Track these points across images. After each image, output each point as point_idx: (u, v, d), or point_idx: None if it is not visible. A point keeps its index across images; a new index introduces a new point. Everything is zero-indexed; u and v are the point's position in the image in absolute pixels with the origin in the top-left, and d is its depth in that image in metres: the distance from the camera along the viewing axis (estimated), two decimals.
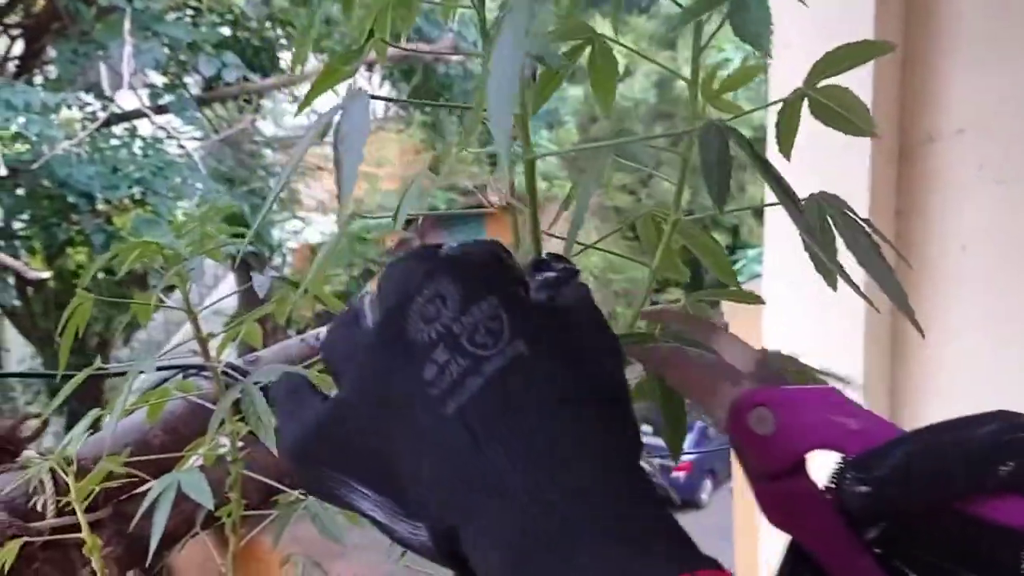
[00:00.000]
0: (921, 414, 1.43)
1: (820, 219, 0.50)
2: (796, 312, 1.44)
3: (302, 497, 0.92)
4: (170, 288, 0.89)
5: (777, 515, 0.34)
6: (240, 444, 0.94)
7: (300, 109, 0.55)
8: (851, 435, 0.34)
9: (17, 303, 5.39)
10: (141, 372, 0.86)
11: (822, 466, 0.35)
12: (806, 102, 0.49)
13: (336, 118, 0.42)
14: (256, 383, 0.88)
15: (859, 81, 1.50)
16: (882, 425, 0.34)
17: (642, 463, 0.31)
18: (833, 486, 0.33)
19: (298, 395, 0.34)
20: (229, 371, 1.02)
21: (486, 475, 0.28)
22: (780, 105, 0.50)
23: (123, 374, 0.88)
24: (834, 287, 0.50)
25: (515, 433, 0.29)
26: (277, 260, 7.68)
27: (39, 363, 6.35)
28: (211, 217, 0.93)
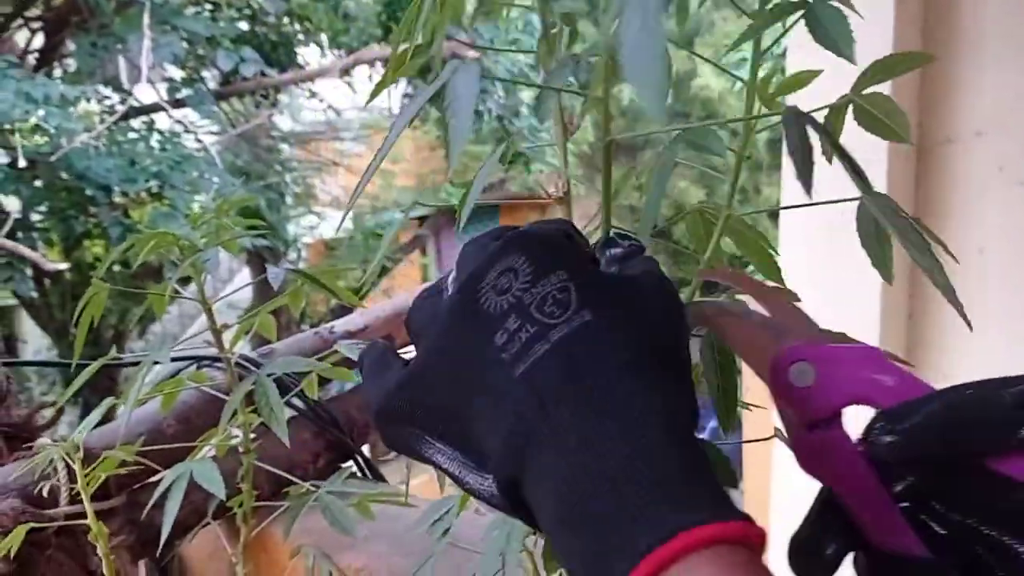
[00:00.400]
0: None
1: (872, 219, 0.51)
2: (811, 313, 1.43)
3: (313, 488, 0.93)
4: (185, 280, 0.90)
5: (812, 463, 0.36)
6: (252, 435, 0.95)
7: (370, 99, 0.57)
8: (887, 391, 0.35)
9: (34, 294, 5.43)
10: (156, 363, 0.87)
11: (861, 422, 0.36)
12: (851, 108, 0.50)
13: (445, 85, 0.43)
14: (269, 375, 0.89)
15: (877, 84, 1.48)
16: (917, 384, 0.35)
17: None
18: (864, 437, 0.34)
19: (383, 360, 0.38)
20: (242, 362, 1.03)
21: (547, 431, 0.30)
22: (826, 111, 0.51)
23: (137, 364, 0.88)
24: (890, 281, 0.51)
25: (577, 394, 0.31)
26: (292, 255, 7.70)
27: (55, 354, 6.40)
28: (227, 209, 0.93)
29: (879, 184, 1.41)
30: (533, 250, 0.35)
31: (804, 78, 0.57)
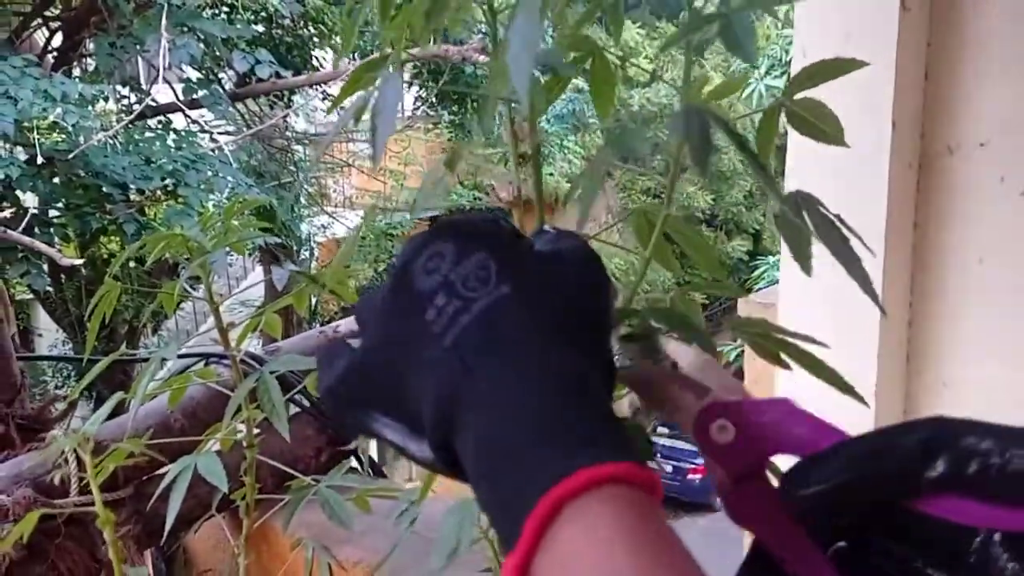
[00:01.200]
0: None
1: (796, 213, 0.53)
2: (811, 319, 1.45)
3: (313, 483, 0.96)
4: (198, 278, 0.93)
5: (741, 516, 0.38)
6: (256, 430, 0.98)
7: (330, 109, 0.60)
8: (801, 441, 0.37)
9: (50, 289, 5.49)
10: (164, 359, 0.90)
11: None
12: (783, 112, 0.52)
13: (372, 98, 0.49)
14: (272, 372, 0.92)
15: (880, 91, 1.50)
16: (830, 432, 0.37)
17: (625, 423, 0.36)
18: (783, 489, 0.36)
19: (334, 350, 0.40)
20: (248, 360, 1.06)
21: (469, 393, 0.33)
22: (762, 114, 0.53)
23: (148, 360, 0.92)
24: (808, 273, 0.53)
25: (492, 357, 0.34)
26: (304, 254, 7.75)
27: (70, 348, 6.47)
28: (235, 211, 0.96)
29: (879, 192, 1.42)
30: (458, 234, 0.38)
31: (734, 85, 0.59)
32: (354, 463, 1.23)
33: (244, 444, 0.98)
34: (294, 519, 0.96)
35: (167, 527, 0.87)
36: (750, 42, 0.48)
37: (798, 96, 0.51)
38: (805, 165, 1.35)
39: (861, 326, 1.51)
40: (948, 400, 1.49)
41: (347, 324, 1.31)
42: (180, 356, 1.17)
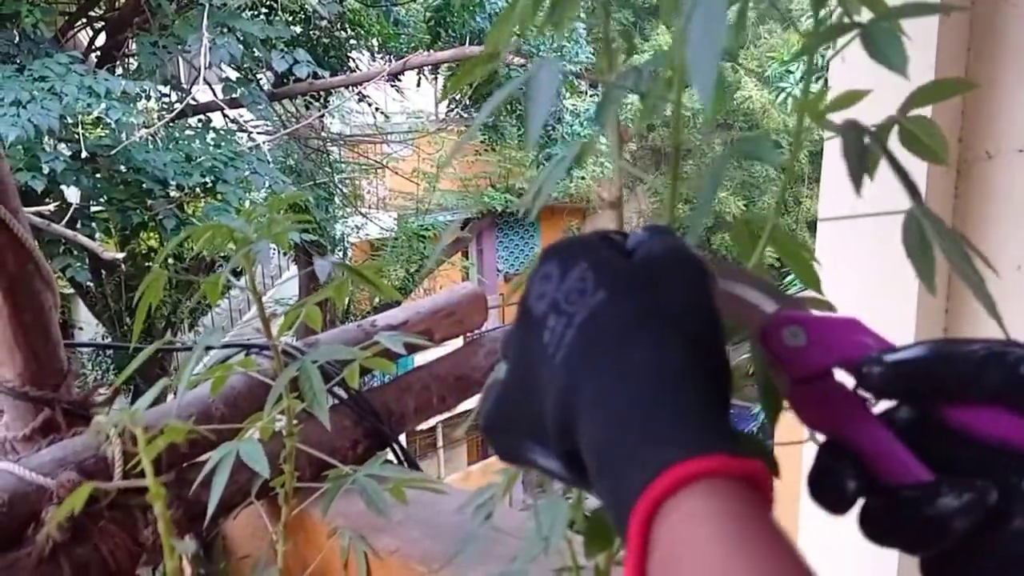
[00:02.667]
0: None
1: (918, 229, 0.53)
2: None
3: (351, 473, 0.97)
4: (236, 274, 0.95)
5: (812, 415, 0.39)
6: (295, 420, 1.00)
7: (445, 95, 0.63)
8: (870, 350, 0.39)
9: (90, 283, 5.60)
10: (208, 348, 0.92)
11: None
12: (896, 128, 0.52)
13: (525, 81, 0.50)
14: (314, 361, 0.94)
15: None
16: (895, 346, 0.39)
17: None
18: (856, 374, 0.38)
19: (491, 384, 0.42)
20: (289, 350, 1.08)
21: (580, 404, 0.35)
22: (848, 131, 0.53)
23: (190, 349, 0.94)
24: (933, 292, 0.53)
25: (592, 365, 0.35)
26: (339, 253, 7.82)
27: (107, 338, 6.58)
28: (278, 205, 0.98)
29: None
30: (561, 253, 0.39)
31: (854, 96, 0.59)
32: (390, 455, 1.24)
33: (284, 433, 0.99)
34: (332, 508, 0.98)
35: (209, 512, 0.89)
36: (896, 51, 0.48)
37: (912, 114, 0.52)
38: (843, 168, 1.35)
39: (895, 334, 1.49)
40: None
41: (384, 318, 1.32)
42: (222, 347, 1.19)
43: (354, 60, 6.90)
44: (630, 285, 0.37)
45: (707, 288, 0.38)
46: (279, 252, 8.24)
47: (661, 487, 0.29)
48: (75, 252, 4.44)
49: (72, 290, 6.24)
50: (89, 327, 7.27)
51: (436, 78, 7.20)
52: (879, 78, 0.51)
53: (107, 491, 1.00)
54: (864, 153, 0.49)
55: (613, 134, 0.59)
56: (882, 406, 0.39)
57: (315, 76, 5.45)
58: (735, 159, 0.56)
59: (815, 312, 0.42)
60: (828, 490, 0.37)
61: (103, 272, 5.77)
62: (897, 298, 1.52)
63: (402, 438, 1.38)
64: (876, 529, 0.35)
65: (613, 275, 0.37)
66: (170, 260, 5.28)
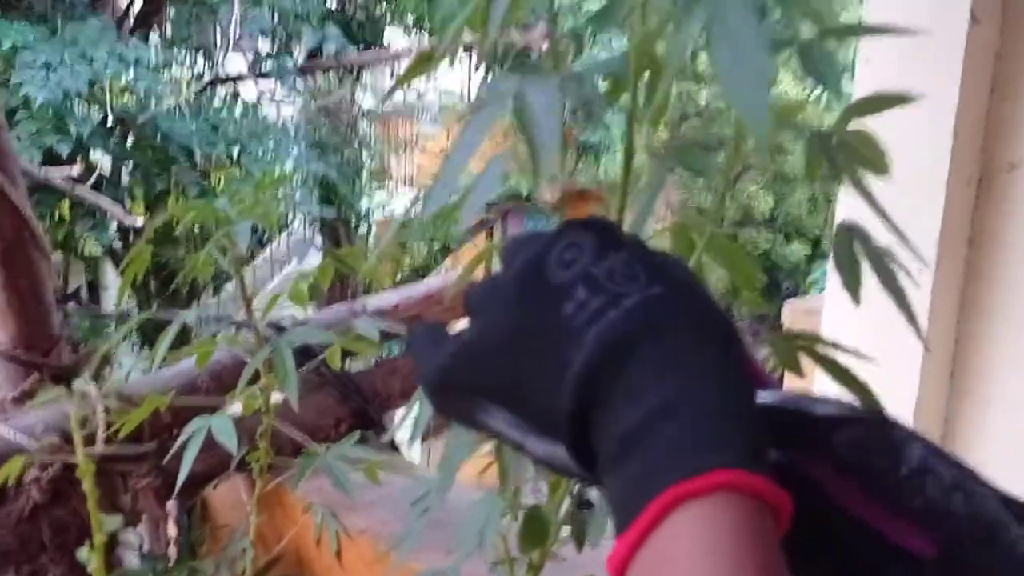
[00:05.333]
0: (974, 442, 1.40)
1: (848, 245, 0.54)
2: (855, 331, 1.42)
3: (323, 452, 0.99)
4: (263, 246, 0.97)
5: None
6: (279, 397, 1.02)
7: (389, 94, 0.63)
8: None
9: (117, 246, 5.69)
10: (184, 323, 0.94)
11: None
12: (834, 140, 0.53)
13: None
14: (289, 342, 0.96)
15: (944, 103, 1.46)
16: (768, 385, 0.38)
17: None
18: None
19: (432, 336, 0.40)
20: (270, 329, 1.10)
21: (619, 388, 0.32)
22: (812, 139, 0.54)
23: (171, 322, 0.96)
24: (857, 303, 0.54)
25: (643, 355, 0.32)
26: (363, 229, 7.87)
27: (134, 303, 6.70)
28: (267, 185, 1.00)
29: (935, 206, 1.39)
30: (596, 229, 0.36)
31: (794, 108, 0.60)
32: (368, 435, 1.26)
33: (262, 410, 1.02)
34: (309, 484, 1.00)
35: (179, 483, 0.91)
36: (829, 68, 0.48)
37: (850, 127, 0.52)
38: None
39: (905, 341, 1.48)
40: (991, 420, 1.46)
41: (375, 301, 1.34)
42: (212, 321, 1.21)
43: (388, 35, 6.91)
44: (681, 287, 0.35)
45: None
46: (305, 224, 8.32)
47: (694, 485, 0.29)
48: (100, 215, 4.52)
49: (100, 252, 6.35)
50: (115, 287, 7.38)
51: (470, 56, 7.20)
52: (904, 80, 0.51)
53: (90, 455, 1.04)
54: (856, 263, 0.50)
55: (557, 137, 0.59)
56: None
57: (345, 51, 5.47)
58: (677, 165, 0.57)
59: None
60: None
61: (131, 236, 5.86)
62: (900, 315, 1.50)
63: (396, 417, 1.41)
64: None
65: (661, 272, 0.35)
66: (196, 229, 5.35)
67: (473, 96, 8.11)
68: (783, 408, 0.36)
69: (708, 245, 0.58)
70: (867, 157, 0.55)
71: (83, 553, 0.82)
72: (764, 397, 0.36)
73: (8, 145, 1.04)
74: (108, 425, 1.02)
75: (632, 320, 0.33)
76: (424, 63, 0.58)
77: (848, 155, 0.54)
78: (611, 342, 0.33)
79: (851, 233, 0.53)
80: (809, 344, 0.53)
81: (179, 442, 0.93)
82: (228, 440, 0.91)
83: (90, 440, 1.02)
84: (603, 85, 0.59)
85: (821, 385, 0.43)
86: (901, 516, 0.32)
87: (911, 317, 0.51)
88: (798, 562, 0.34)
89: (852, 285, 0.54)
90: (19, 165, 1.06)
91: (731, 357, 0.34)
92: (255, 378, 0.97)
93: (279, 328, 1.10)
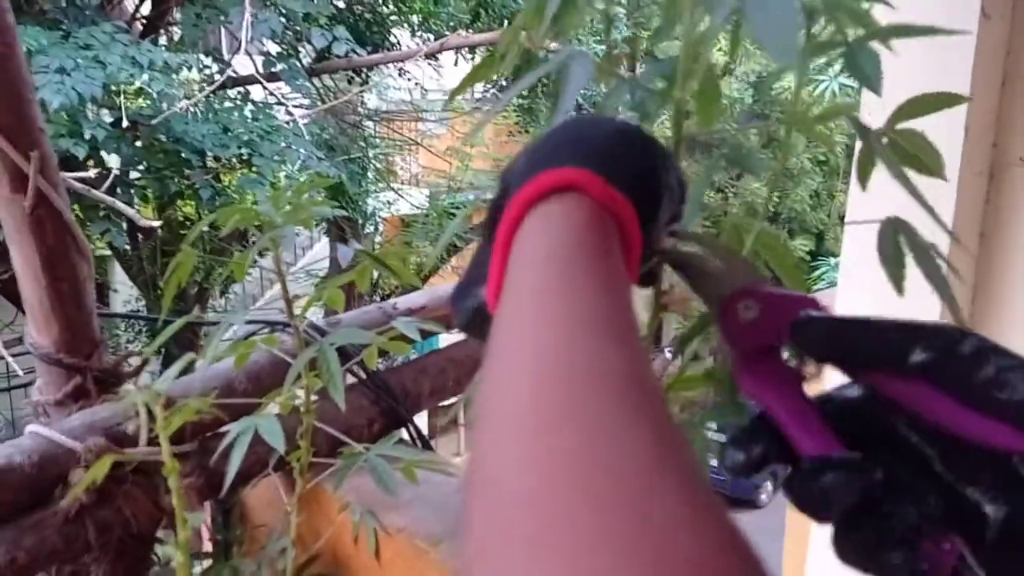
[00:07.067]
0: None
1: (894, 239, 0.56)
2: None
3: (364, 451, 1.00)
4: (266, 248, 0.98)
5: (752, 387, 0.41)
6: (314, 397, 1.03)
7: (455, 93, 0.68)
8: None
9: (128, 247, 5.71)
10: (232, 325, 0.96)
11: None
12: (885, 141, 0.54)
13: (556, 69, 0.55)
14: (332, 344, 0.97)
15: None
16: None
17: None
18: (791, 335, 0.40)
19: (466, 290, 0.44)
20: (309, 330, 1.12)
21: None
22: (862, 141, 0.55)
23: (217, 324, 0.98)
24: (901, 294, 0.56)
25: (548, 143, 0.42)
26: (370, 229, 7.88)
27: (143, 304, 6.72)
28: (305, 188, 1.02)
29: (947, 200, 1.40)
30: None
31: (843, 108, 0.61)
32: (404, 435, 1.28)
33: (301, 409, 1.03)
34: (345, 483, 1.01)
35: (227, 483, 0.93)
36: (873, 69, 0.50)
37: (900, 127, 0.54)
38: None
39: None
40: None
41: (404, 302, 1.35)
42: (248, 323, 1.23)
43: (395, 36, 6.92)
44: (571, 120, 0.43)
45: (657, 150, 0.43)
46: (311, 224, 8.31)
47: (532, 189, 0.34)
48: (113, 217, 4.54)
49: (109, 253, 6.37)
50: (124, 289, 7.41)
51: (473, 58, 7.20)
52: (916, 76, 0.52)
53: (132, 457, 1.05)
54: (900, 257, 0.53)
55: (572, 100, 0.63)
56: (840, 381, 0.41)
57: (355, 52, 5.48)
58: (727, 164, 0.59)
59: (770, 288, 0.43)
60: (732, 453, 0.39)
61: (140, 238, 5.88)
62: (921, 300, 1.52)
63: (424, 414, 1.42)
64: (789, 497, 0.37)
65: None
66: (205, 229, 5.36)
67: (479, 96, 8.12)
68: (857, 322, 0.38)
69: (757, 242, 0.61)
70: (919, 157, 0.56)
71: (168, 549, 0.84)
72: (839, 317, 0.38)
73: (50, 151, 1.06)
74: (151, 425, 1.04)
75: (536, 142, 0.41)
76: (488, 66, 0.61)
77: (899, 155, 0.56)
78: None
79: (895, 227, 0.55)
80: None
81: (225, 441, 0.95)
82: (275, 440, 0.92)
83: (134, 442, 1.03)
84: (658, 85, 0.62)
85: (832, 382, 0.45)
86: (988, 417, 0.33)
87: (955, 309, 0.53)
88: (884, 492, 0.36)
89: (897, 277, 0.56)
90: (59, 172, 1.07)
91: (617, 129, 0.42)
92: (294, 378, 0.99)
93: (319, 330, 1.12)
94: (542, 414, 0.24)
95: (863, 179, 0.58)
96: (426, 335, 1.16)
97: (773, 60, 0.42)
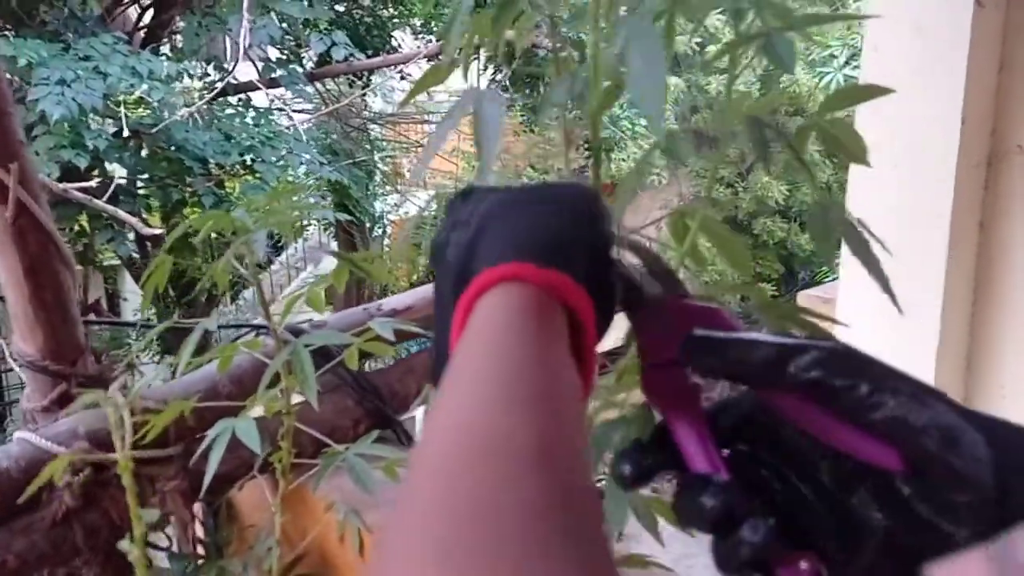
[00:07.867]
0: None
1: (823, 218, 0.57)
2: (870, 317, 1.44)
3: (344, 451, 1.02)
4: (277, 251, 1.00)
5: (652, 397, 0.42)
6: (299, 399, 1.04)
7: (403, 103, 0.69)
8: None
9: (135, 256, 5.76)
10: (206, 329, 0.97)
11: None
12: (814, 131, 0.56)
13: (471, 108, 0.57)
14: (306, 345, 0.98)
15: (952, 87, 1.48)
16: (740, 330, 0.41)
17: None
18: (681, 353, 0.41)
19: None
20: (287, 333, 1.13)
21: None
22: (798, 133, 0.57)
23: (192, 330, 0.99)
24: (831, 268, 0.57)
25: (495, 219, 0.43)
26: (378, 231, 7.90)
27: (153, 313, 6.77)
28: (280, 194, 1.03)
29: (945, 190, 1.39)
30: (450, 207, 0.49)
31: (773, 99, 0.63)
32: (389, 435, 1.29)
33: (283, 411, 1.05)
34: (330, 484, 1.03)
35: (205, 484, 0.94)
36: (788, 54, 0.51)
37: (828, 117, 0.55)
38: (871, 159, 1.34)
39: (921, 328, 1.48)
40: (1007, 407, 1.47)
41: (390, 303, 1.37)
42: (231, 327, 1.24)
43: (397, 39, 6.94)
44: (511, 192, 0.44)
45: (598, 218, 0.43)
46: (320, 228, 8.37)
47: (484, 279, 0.36)
48: (118, 226, 4.57)
49: (118, 262, 6.42)
50: (134, 298, 7.46)
51: (476, 59, 7.23)
52: (911, 66, 0.53)
53: (117, 460, 1.07)
54: (828, 232, 0.55)
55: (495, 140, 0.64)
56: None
57: (353, 57, 5.50)
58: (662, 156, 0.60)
59: (680, 301, 0.44)
60: (621, 465, 0.40)
61: (148, 246, 5.93)
62: (924, 294, 1.51)
63: (420, 413, 1.43)
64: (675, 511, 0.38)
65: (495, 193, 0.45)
66: (212, 236, 5.40)
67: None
68: (738, 340, 0.38)
69: (701, 228, 0.61)
70: (846, 145, 0.58)
71: (124, 544, 0.85)
72: (722, 335, 0.39)
73: (28, 162, 1.08)
74: (135, 430, 1.06)
75: (484, 215, 0.42)
76: (434, 76, 0.62)
77: (829, 143, 0.57)
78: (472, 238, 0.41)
79: (824, 207, 0.56)
80: (791, 315, 0.57)
81: (204, 444, 0.96)
82: (251, 441, 0.94)
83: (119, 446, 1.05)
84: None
85: None
86: (864, 433, 0.34)
87: (885, 285, 0.54)
88: (766, 492, 0.38)
89: (827, 251, 0.58)
90: (40, 181, 1.09)
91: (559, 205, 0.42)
92: (275, 381, 1.00)
93: (298, 332, 1.13)
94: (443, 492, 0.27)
95: (791, 168, 0.59)
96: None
97: (648, 127, 0.44)
